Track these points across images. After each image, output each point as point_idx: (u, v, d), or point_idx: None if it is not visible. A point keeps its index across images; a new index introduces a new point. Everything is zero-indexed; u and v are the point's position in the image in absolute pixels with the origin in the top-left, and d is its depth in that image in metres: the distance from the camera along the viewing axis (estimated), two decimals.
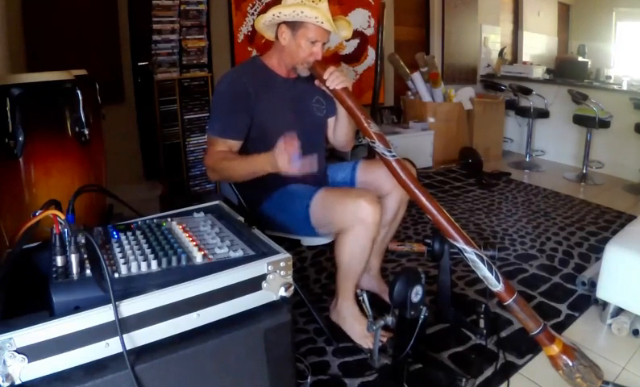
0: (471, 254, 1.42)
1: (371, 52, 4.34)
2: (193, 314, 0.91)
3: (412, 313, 1.43)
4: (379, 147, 1.51)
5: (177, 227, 1.13)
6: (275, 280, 1.00)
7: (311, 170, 1.39)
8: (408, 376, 1.47)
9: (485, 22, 5.28)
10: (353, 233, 1.52)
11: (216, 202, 1.35)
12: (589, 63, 5.45)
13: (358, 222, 1.49)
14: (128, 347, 0.82)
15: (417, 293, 1.43)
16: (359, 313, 1.68)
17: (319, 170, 1.83)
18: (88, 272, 0.87)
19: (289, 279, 1.02)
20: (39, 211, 0.97)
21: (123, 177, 2.92)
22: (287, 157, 1.35)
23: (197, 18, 3.00)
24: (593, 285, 1.99)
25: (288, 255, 1.03)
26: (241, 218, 1.24)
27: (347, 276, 1.64)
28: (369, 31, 4.33)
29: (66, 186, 1.42)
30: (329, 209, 1.54)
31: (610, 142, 4.19)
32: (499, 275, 1.41)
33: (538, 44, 6.21)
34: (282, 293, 1.01)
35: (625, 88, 4.47)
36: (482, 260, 1.42)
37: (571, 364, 1.37)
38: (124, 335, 0.82)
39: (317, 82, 1.62)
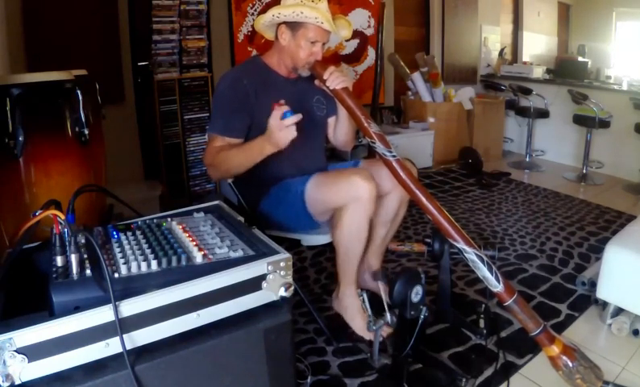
0: (471, 254, 1.42)
1: (371, 52, 4.34)
2: (193, 314, 0.90)
3: (412, 313, 1.44)
4: (379, 147, 1.51)
5: (177, 227, 1.13)
6: (275, 280, 1.00)
7: (297, 118, 1.43)
8: (408, 376, 1.47)
9: (485, 23, 5.28)
10: (349, 211, 1.52)
11: (216, 202, 1.35)
12: (589, 63, 5.45)
13: (353, 200, 1.50)
14: (128, 347, 0.82)
15: (417, 293, 1.43)
16: (360, 303, 1.68)
17: (319, 168, 1.83)
18: (88, 272, 0.87)
19: (289, 279, 1.02)
20: (39, 211, 0.97)
21: (123, 177, 2.92)
22: (279, 116, 1.39)
23: (197, 18, 3.00)
24: (593, 285, 1.99)
25: (288, 255, 1.02)
26: (241, 218, 1.24)
27: (347, 260, 1.63)
28: (369, 31, 4.32)
29: (66, 186, 1.41)
30: (323, 190, 1.55)
31: (610, 142, 4.19)
32: (499, 275, 1.41)
33: (538, 44, 6.21)
34: (282, 293, 1.01)
35: (625, 88, 4.46)
36: (482, 260, 1.41)
37: (571, 364, 1.37)
38: (124, 335, 0.82)
39: (317, 82, 1.62)
